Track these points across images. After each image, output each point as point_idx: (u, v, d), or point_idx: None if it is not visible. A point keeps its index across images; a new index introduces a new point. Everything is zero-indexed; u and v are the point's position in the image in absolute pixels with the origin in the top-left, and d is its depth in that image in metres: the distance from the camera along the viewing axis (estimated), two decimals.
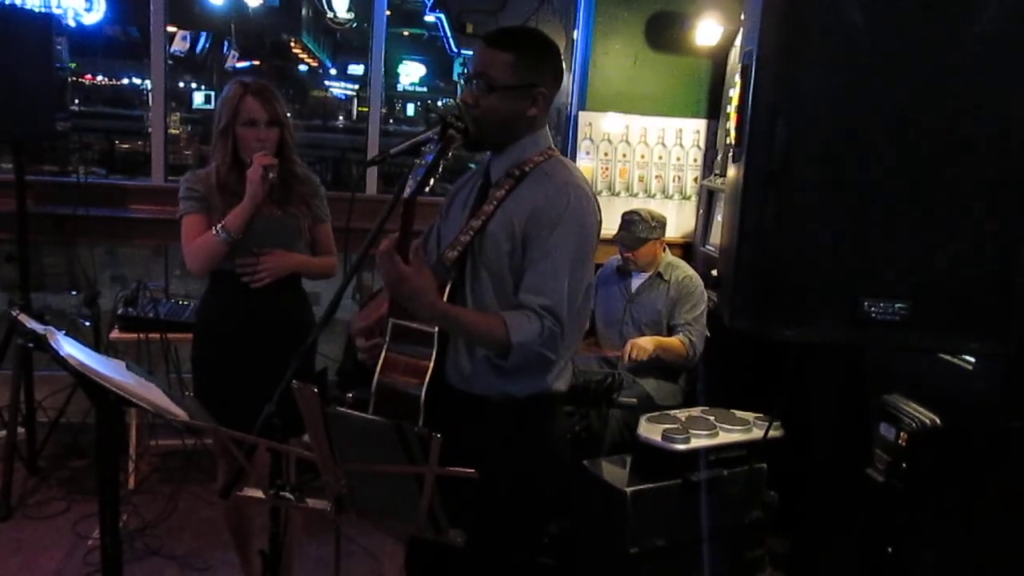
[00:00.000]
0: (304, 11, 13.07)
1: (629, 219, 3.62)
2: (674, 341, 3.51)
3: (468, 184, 2.07)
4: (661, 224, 3.65)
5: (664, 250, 3.71)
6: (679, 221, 4.50)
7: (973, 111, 1.38)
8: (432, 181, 1.72)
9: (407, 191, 1.67)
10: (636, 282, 3.70)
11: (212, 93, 10.64)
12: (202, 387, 2.65)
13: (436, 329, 1.87)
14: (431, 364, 1.87)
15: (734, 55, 4.07)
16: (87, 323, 3.63)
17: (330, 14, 6.54)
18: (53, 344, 1.79)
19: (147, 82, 5.18)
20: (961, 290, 1.44)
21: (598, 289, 3.78)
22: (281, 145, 2.55)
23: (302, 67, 15.81)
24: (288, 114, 2.62)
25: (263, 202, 2.51)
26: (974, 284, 1.43)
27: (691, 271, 3.70)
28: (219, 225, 2.46)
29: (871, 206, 1.41)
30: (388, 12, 4.56)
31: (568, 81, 4.50)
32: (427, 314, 1.78)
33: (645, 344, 3.43)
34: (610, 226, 4.10)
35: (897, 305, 1.42)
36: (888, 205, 1.41)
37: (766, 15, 1.39)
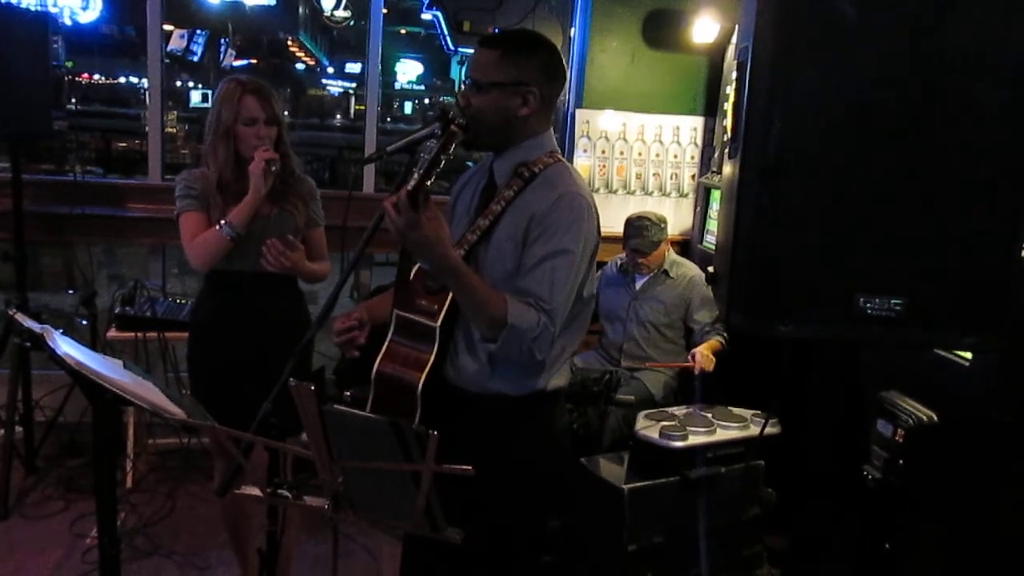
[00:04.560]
0: (301, 10, 13.07)
1: (640, 225, 3.64)
2: (716, 344, 3.56)
3: (471, 184, 2.06)
4: (665, 224, 3.70)
5: (669, 248, 3.76)
6: (676, 219, 4.49)
7: (967, 107, 1.38)
8: (434, 177, 1.70)
9: (410, 184, 1.65)
10: (641, 280, 3.74)
11: (209, 92, 10.63)
12: (199, 385, 2.66)
13: (438, 324, 1.87)
14: (431, 358, 1.86)
15: (731, 52, 4.07)
16: (84, 322, 3.63)
17: (327, 12, 6.52)
18: (50, 343, 1.79)
19: (144, 81, 5.16)
20: (955, 286, 1.44)
21: (601, 287, 3.83)
22: (278, 143, 2.56)
23: (299, 65, 15.82)
24: (286, 112, 2.62)
25: (262, 201, 2.52)
26: (968, 280, 1.43)
27: (697, 269, 3.75)
28: (223, 221, 2.46)
29: (866, 202, 1.41)
30: (385, 10, 4.55)
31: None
32: (438, 266, 1.70)
33: (710, 355, 3.46)
34: (609, 223, 4.12)
35: (892, 301, 1.43)
36: (883, 201, 1.41)
37: (760, 11, 1.40)
